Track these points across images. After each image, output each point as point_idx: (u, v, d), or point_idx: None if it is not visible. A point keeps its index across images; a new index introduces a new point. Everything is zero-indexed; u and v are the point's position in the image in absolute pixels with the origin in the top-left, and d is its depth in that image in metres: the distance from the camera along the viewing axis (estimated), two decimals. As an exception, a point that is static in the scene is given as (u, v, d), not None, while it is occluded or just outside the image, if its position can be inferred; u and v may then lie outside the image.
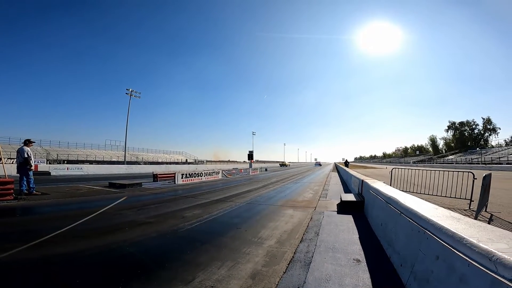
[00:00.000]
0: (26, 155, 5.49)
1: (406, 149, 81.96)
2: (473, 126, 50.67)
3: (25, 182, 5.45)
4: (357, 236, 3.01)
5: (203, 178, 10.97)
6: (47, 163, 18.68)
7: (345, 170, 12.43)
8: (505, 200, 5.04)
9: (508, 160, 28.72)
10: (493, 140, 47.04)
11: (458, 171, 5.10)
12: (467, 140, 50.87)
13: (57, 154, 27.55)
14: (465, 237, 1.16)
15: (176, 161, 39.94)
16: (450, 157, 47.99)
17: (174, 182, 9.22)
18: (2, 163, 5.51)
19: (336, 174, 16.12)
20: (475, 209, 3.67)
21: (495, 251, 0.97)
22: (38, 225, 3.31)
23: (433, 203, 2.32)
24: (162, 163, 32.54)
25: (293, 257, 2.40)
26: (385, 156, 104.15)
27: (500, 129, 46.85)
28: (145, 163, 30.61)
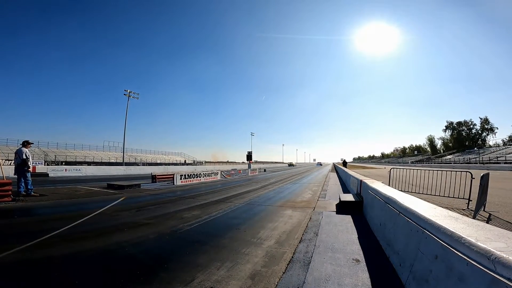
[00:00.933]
0: (24, 156, 5.46)
1: (404, 149, 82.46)
2: (471, 126, 50.95)
3: (23, 184, 5.42)
4: (356, 236, 3.02)
5: (202, 179, 10.96)
6: (45, 165, 18.57)
7: (343, 170, 12.45)
8: (503, 199, 5.07)
9: (505, 160, 28.86)
10: (491, 140, 47.36)
11: (456, 171, 5.12)
12: (465, 140, 51.13)
13: (55, 156, 27.42)
14: (463, 236, 1.16)
15: (175, 162, 39.96)
16: (448, 157, 48.22)
17: (173, 183, 9.20)
18: (0, 164, 5.48)
19: (335, 174, 16.15)
20: (473, 209, 3.69)
21: (494, 250, 0.97)
22: (36, 226, 3.29)
23: (431, 203, 2.34)
24: (161, 164, 32.43)
25: (292, 257, 2.41)
26: (383, 156, 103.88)
27: (497, 128, 47.15)
28: (143, 164, 30.50)
